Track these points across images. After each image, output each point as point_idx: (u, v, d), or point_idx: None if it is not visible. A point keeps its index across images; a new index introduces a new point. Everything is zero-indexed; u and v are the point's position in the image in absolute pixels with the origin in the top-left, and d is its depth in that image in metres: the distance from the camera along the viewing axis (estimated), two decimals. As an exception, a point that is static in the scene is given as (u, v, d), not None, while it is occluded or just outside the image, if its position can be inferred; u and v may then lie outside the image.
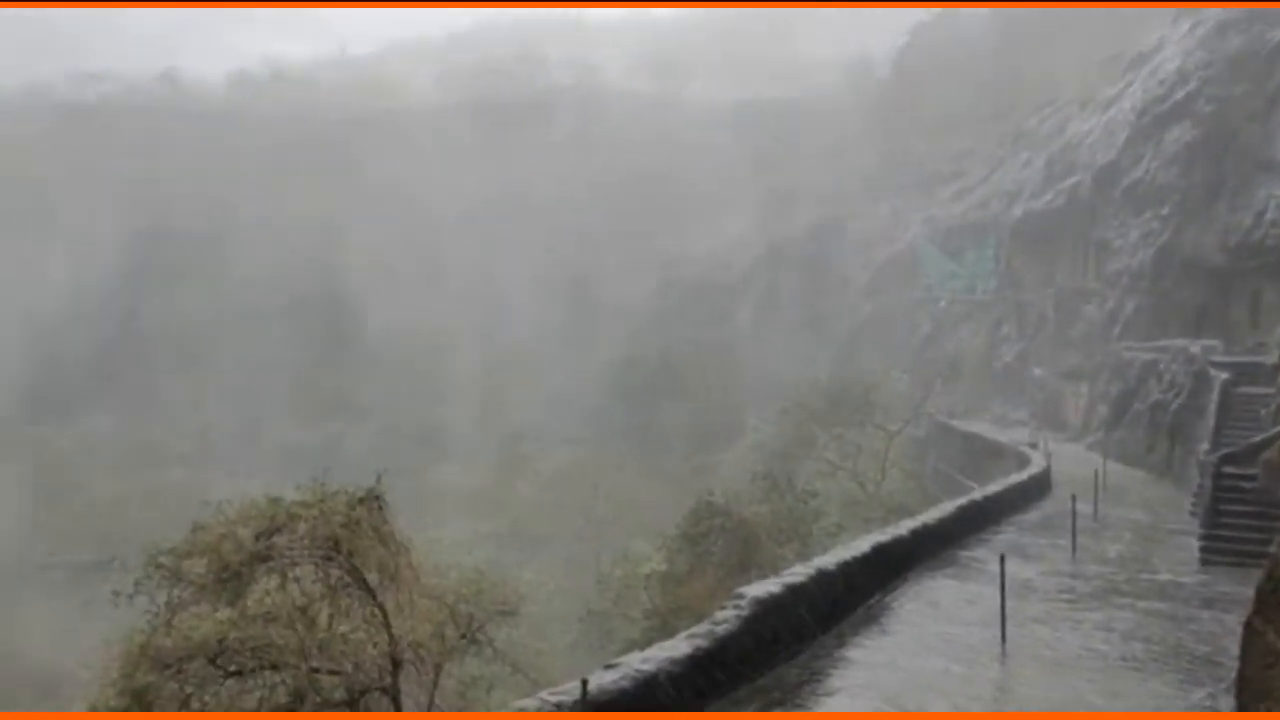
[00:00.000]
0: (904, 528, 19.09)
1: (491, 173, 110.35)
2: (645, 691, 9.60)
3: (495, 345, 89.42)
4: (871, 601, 15.56)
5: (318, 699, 15.40)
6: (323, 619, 15.88)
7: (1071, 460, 36.20)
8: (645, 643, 14.37)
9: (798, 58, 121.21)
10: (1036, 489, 29.59)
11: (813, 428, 46.60)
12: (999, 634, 13.44)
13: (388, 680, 15.74)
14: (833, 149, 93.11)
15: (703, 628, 11.34)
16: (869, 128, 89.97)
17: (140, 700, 15.15)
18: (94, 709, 16.99)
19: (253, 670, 15.39)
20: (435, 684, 16.61)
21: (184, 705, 15.17)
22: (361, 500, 16.55)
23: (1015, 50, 70.98)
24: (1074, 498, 21.94)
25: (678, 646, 10.72)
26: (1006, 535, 22.91)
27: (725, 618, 11.62)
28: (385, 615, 15.70)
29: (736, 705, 10.69)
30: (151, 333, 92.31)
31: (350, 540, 15.99)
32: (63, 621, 50.26)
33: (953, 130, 77.31)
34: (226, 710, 15.34)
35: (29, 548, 59.41)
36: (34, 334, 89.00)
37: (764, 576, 14.48)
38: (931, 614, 15.07)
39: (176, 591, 15.43)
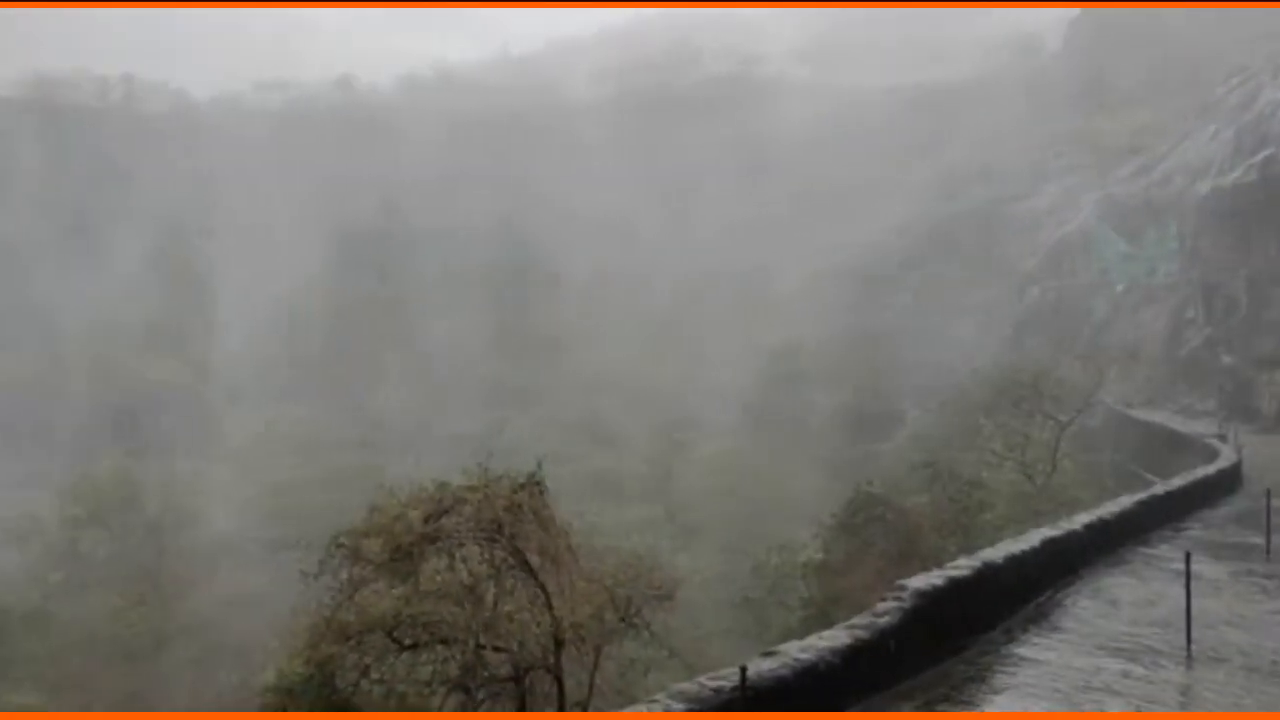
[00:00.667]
0: (1077, 522, 18.23)
1: (649, 168, 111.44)
2: (804, 680, 9.54)
3: (653, 335, 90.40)
4: (1042, 598, 14.96)
5: (485, 674, 16.02)
6: (489, 598, 16.48)
7: (1265, 454, 33.66)
8: (803, 632, 14.29)
9: (959, 37, 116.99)
10: (1226, 484, 27.68)
11: (977, 417, 44.96)
12: (1184, 636, 12.68)
13: (551, 660, 16.20)
14: (997, 130, 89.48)
15: (863, 619, 11.18)
16: (1036, 106, 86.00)
17: (324, 669, 16.15)
18: (281, 676, 18.23)
19: (425, 644, 16.16)
20: (596, 665, 16.98)
21: (364, 674, 16.08)
22: (523, 485, 17.07)
23: (1200, 16, 66.28)
24: (1269, 493, 20.40)
25: (837, 637, 10.61)
26: (1193, 532, 21.54)
27: (886, 609, 11.42)
28: (547, 596, 16.16)
29: (898, 700, 10.50)
30: (335, 325, 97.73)
31: (513, 523, 16.54)
32: (255, 593, 53.99)
33: (1129, 104, 73.00)
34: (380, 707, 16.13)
35: (226, 524, 63.91)
36: (236, 328, 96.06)
37: (926, 569, 14.12)
38: (1109, 612, 14.36)
39: (356, 569, 16.33)
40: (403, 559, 16.37)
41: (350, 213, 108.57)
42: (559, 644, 16.11)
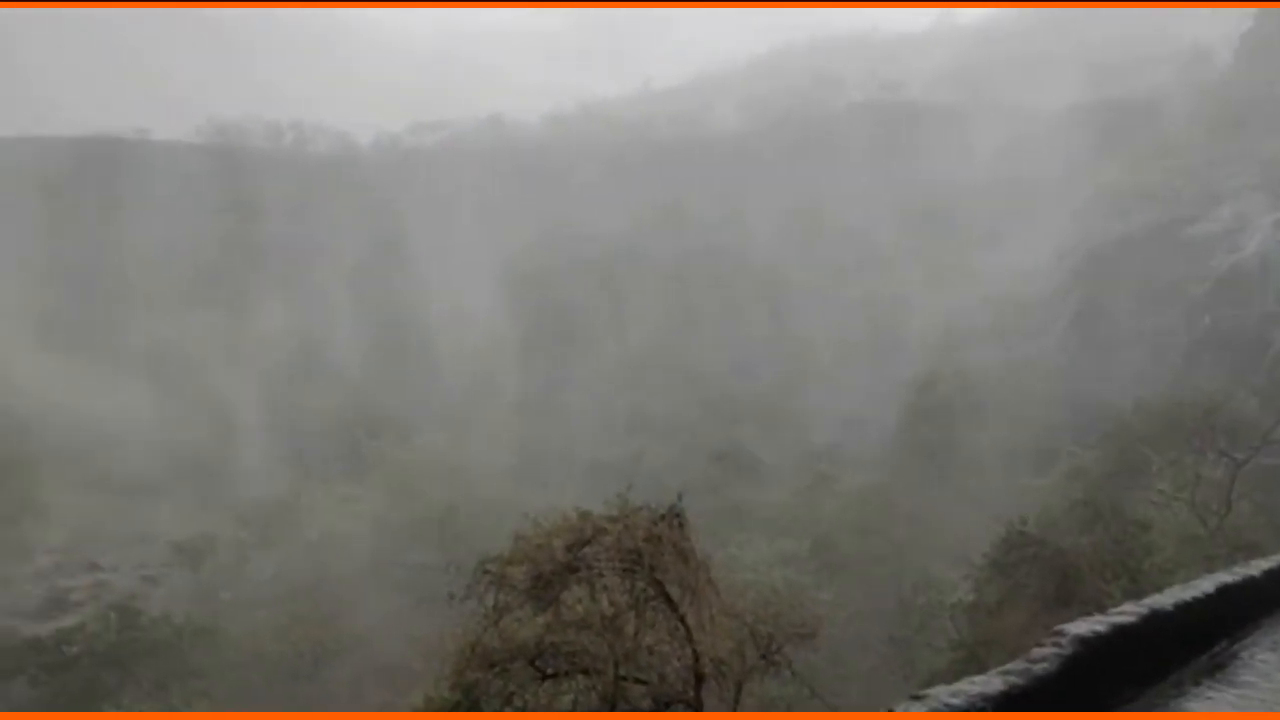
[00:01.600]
0: (1256, 568, 16.90)
1: (791, 195, 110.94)
2: (954, 728, 9.12)
3: (792, 366, 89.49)
4: (1216, 649, 13.91)
5: (625, 706, 16.01)
6: (629, 629, 16.49)
7: None
8: (952, 676, 13.72)
9: (1117, 55, 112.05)
10: None
11: (1142, 453, 42.51)
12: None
13: (691, 694, 16.06)
14: (1161, 150, 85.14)
15: (1017, 665, 10.62)
16: (1206, 123, 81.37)
17: (469, 695, 16.48)
18: (429, 701, 18.67)
19: (567, 674, 16.29)
20: (736, 701, 16.75)
21: (507, 703, 16.32)
22: (663, 516, 17.06)
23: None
24: None
25: (990, 683, 10.10)
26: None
27: (1043, 656, 10.82)
28: (688, 629, 16.06)
29: (1056, 752, 9.91)
30: (489, 357, 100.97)
31: (652, 555, 16.53)
32: (403, 616, 55.80)
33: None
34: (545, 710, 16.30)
35: (378, 547, 66.45)
36: (390, 359, 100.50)
37: (1087, 613, 13.34)
38: (1292, 668, 13.22)
39: (501, 595, 16.64)
40: (545, 587, 16.59)
41: (507, 245, 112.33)
42: (699, 678, 15.97)
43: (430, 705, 17.85)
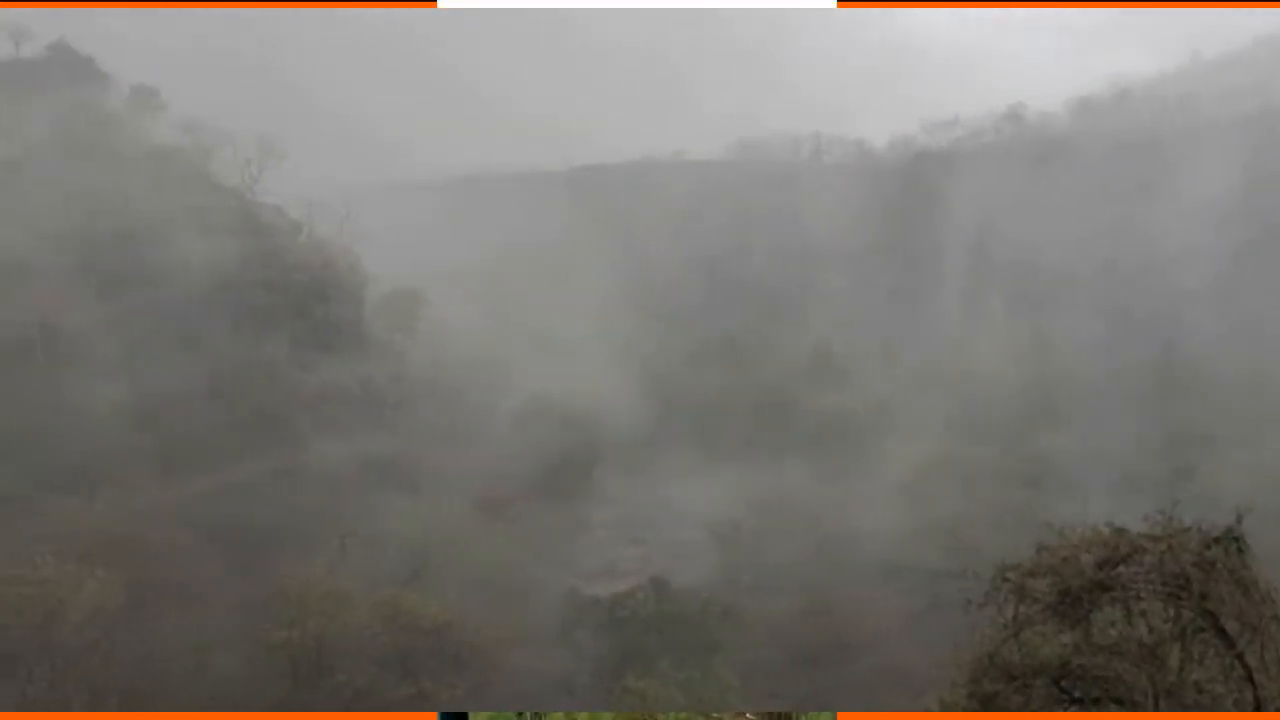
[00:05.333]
0: None
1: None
2: None
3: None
4: None
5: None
6: (1172, 661, 14.86)
7: None
8: None
9: None
10: None
11: None
12: None
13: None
14: None
15: None
16: None
17: (986, 705, 15.98)
18: (943, 704, 18.41)
19: (1095, 700, 15.11)
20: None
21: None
22: (1216, 540, 15.09)
23: None
24: None
25: None
26: None
27: None
28: (1248, 670, 14.05)
29: None
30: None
31: (1203, 582, 14.70)
32: (914, 618, 55.65)
33: None
34: None
35: (890, 549, 66.80)
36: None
37: None
38: None
39: (1021, 607, 15.89)
40: (1072, 604, 15.53)
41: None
42: (1263, 723, 13.91)
43: (944, 707, 17.61)
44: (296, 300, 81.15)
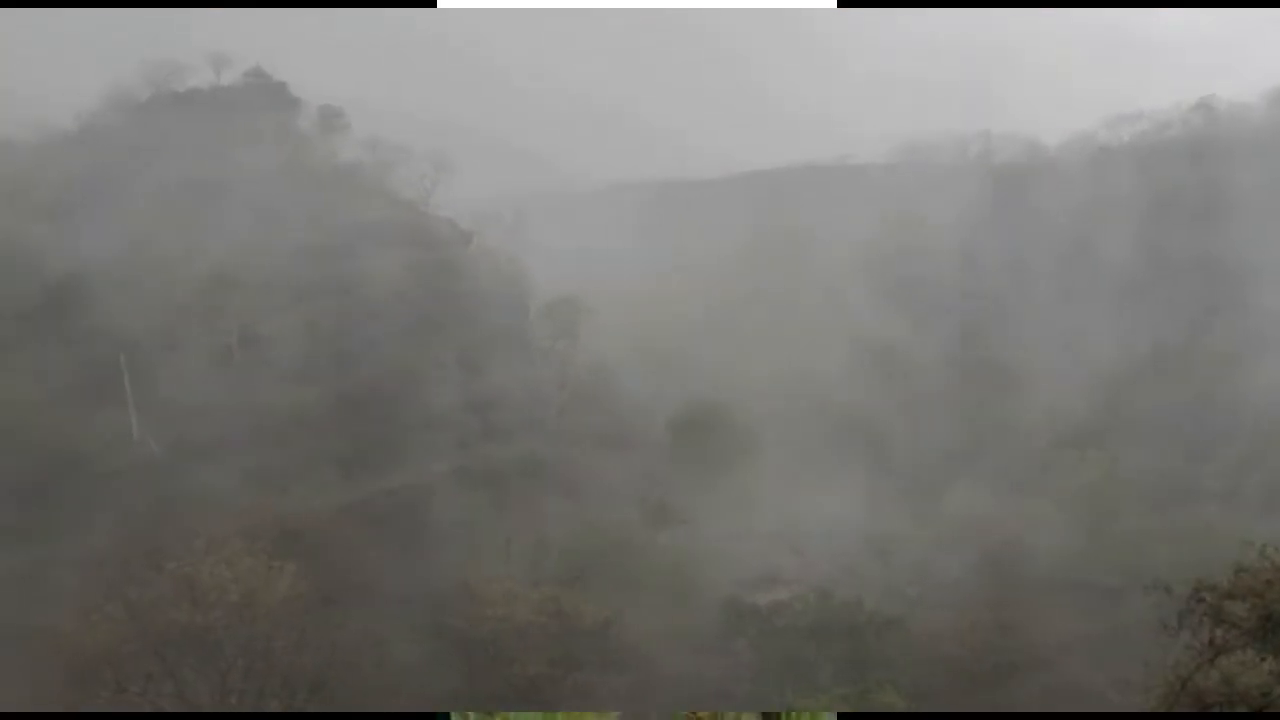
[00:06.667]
0: None
1: None
2: None
3: None
4: None
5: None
6: None
7: None
8: None
9: None
10: None
11: None
12: None
13: None
14: None
15: None
16: None
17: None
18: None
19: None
20: None
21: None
22: None
23: None
24: None
25: None
26: None
27: None
28: None
29: None
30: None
31: None
32: (1090, 637, 52.92)
33: None
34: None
35: (1061, 565, 63.62)
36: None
37: None
38: None
39: (1219, 631, 15.00)
40: (1275, 630, 14.58)
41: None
42: None
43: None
44: (466, 309, 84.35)
